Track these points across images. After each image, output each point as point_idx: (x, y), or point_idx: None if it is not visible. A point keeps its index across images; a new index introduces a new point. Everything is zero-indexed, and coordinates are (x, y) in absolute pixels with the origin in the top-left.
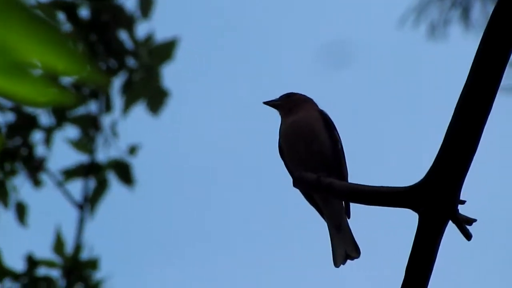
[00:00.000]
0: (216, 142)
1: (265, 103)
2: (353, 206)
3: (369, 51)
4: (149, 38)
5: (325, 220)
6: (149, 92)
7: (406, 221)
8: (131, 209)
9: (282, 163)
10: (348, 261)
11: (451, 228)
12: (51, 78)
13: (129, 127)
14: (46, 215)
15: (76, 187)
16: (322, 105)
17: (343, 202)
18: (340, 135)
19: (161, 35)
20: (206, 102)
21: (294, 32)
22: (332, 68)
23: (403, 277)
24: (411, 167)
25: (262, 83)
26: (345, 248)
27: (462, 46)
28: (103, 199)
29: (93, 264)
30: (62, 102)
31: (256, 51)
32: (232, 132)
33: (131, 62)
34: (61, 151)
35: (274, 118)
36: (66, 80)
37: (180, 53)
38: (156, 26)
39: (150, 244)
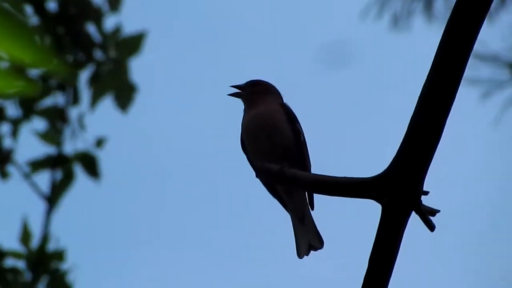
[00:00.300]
0: (181, 136)
1: (230, 94)
2: (317, 197)
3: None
4: (116, 31)
5: (288, 212)
6: (117, 85)
7: (370, 211)
8: (97, 202)
9: (244, 156)
10: (312, 252)
11: (414, 219)
12: (18, 70)
13: (96, 120)
14: (13, 207)
15: (43, 179)
16: (294, 101)
17: (306, 193)
18: (302, 128)
19: (130, 28)
20: (176, 96)
21: (288, 32)
22: (327, 68)
23: (366, 268)
24: (375, 158)
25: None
26: (308, 239)
27: (425, 38)
28: (68, 191)
29: (59, 255)
30: (29, 94)
31: (245, 50)
32: (198, 126)
33: (98, 55)
34: (28, 143)
35: (240, 109)
36: (33, 72)
37: (149, 47)
38: (124, 20)
39: (115, 236)
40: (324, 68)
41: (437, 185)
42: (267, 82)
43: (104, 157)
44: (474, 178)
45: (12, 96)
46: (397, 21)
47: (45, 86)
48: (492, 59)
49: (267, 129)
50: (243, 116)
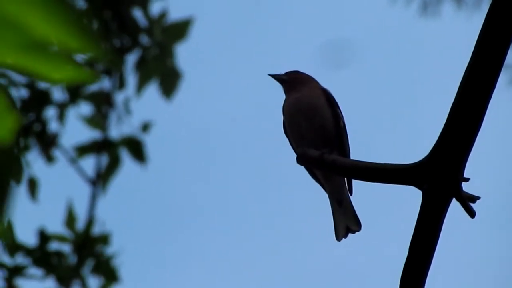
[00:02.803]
0: (226, 122)
1: (271, 75)
2: (358, 183)
3: (365, 36)
4: (163, 16)
5: (327, 195)
6: (162, 70)
7: (411, 198)
8: (143, 186)
9: (287, 140)
10: (350, 235)
11: (454, 206)
12: (66, 55)
13: (142, 105)
14: (58, 190)
15: (89, 163)
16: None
17: (346, 179)
18: (343, 113)
19: (176, 14)
20: (215, 85)
21: (294, 32)
22: (334, 65)
23: (406, 254)
24: (416, 144)
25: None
26: (346, 222)
27: (455, 24)
28: (115, 176)
29: (104, 239)
30: (78, 80)
31: (254, 47)
32: (240, 113)
33: (145, 40)
34: (74, 128)
35: (281, 96)
36: (80, 57)
37: (194, 33)
38: (171, 5)
39: (161, 220)
40: (342, 61)
41: (477, 171)
42: (306, 74)
43: (150, 142)
44: (506, 162)
45: (62, 81)
46: (426, 7)
47: (92, 70)
48: None
49: (307, 112)
50: (284, 100)
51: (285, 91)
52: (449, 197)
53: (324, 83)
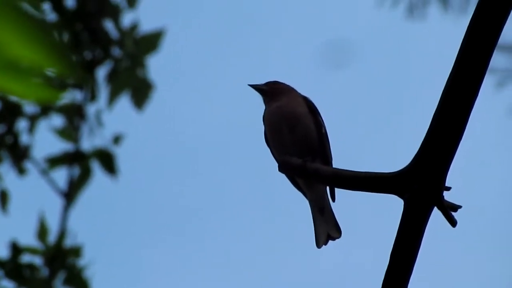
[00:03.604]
0: (201, 133)
1: (251, 85)
2: (340, 190)
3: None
4: (134, 28)
5: (309, 203)
6: (134, 82)
7: (393, 206)
8: (114, 198)
9: (268, 150)
10: (331, 242)
11: (436, 215)
12: (37, 71)
13: (114, 117)
14: (30, 203)
15: (61, 175)
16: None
17: (328, 186)
18: (324, 120)
19: (147, 26)
20: (193, 94)
21: (290, 31)
22: (330, 67)
23: (388, 262)
24: (398, 153)
25: (256, 79)
26: (327, 229)
27: (441, 27)
28: (85, 188)
29: (76, 251)
30: (48, 99)
31: (251, 48)
32: (218, 123)
33: (116, 51)
34: (45, 140)
35: (260, 107)
36: (50, 72)
37: (166, 45)
38: (142, 17)
39: (131, 233)
40: (334, 63)
41: (458, 180)
42: (286, 84)
43: (121, 154)
44: (492, 170)
45: (36, 101)
46: (412, 10)
47: (63, 84)
48: (508, 49)
49: (289, 120)
50: (265, 110)
51: (265, 101)
52: (430, 206)
53: (314, 85)
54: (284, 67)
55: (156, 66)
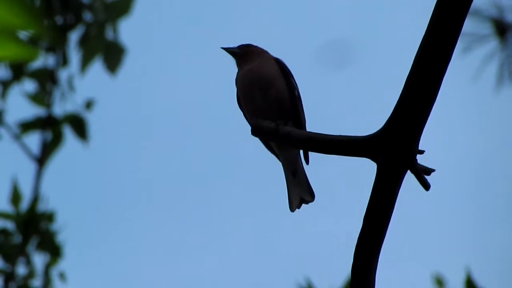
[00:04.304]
0: (173, 97)
1: (224, 48)
2: (314, 153)
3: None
4: None
5: (282, 166)
6: (105, 47)
7: (366, 170)
8: (86, 163)
9: (241, 113)
10: (304, 205)
11: (409, 178)
12: (10, 32)
13: (86, 82)
14: (2, 168)
15: (33, 141)
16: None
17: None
18: (297, 82)
19: None
20: (167, 59)
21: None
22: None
23: (361, 226)
24: (371, 117)
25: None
26: (300, 192)
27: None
28: (57, 153)
29: (49, 216)
30: (22, 57)
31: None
32: (191, 88)
33: (87, 16)
34: (17, 105)
35: (233, 70)
36: (23, 34)
37: (138, 9)
38: None
39: (103, 198)
40: (334, 63)
41: (432, 143)
42: (260, 48)
43: (93, 119)
44: (462, 133)
45: (8, 60)
46: None
47: (35, 48)
48: (473, 13)
49: (261, 83)
50: (237, 73)
51: (238, 64)
52: (403, 169)
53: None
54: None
55: (128, 30)
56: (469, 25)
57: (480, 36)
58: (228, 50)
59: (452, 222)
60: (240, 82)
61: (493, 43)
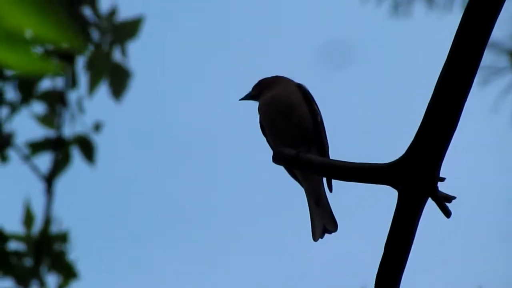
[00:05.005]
0: (186, 123)
1: (242, 99)
2: (337, 181)
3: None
4: (112, 13)
5: (305, 194)
6: (111, 70)
7: (388, 197)
8: (93, 185)
9: (264, 139)
10: (327, 235)
11: (430, 206)
12: (35, 45)
13: (95, 104)
14: (13, 190)
15: (43, 162)
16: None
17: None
18: (320, 108)
19: (126, 13)
20: (183, 87)
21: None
22: (330, 67)
23: (382, 253)
24: (393, 144)
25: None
26: (323, 222)
27: (426, 24)
28: (63, 174)
29: (62, 237)
30: (50, 72)
31: (244, 44)
32: (203, 112)
33: (95, 37)
34: (27, 127)
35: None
36: (38, 48)
37: (146, 32)
38: (121, 3)
39: (113, 220)
40: (334, 63)
41: (453, 171)
42: (276, 75)
43: (101, 142)
44: (483, 163)
45: (35, 73)
46: (397, 7)
47: (58, 63)
48: (491, 46)
49: (284, 109)
50: (260, 100)
51: (258, 98)
52: (424, 196)
53: (314, 84)
54: (280, 65)
55: (135, 53)
56: (486, 57)
57: (497, 69)
58: (246, 98)
59: (473, 250)
60: (264, 109)
61: (510, 76)
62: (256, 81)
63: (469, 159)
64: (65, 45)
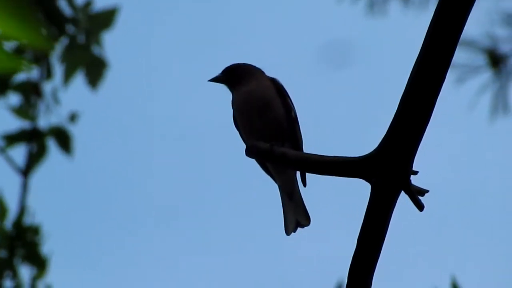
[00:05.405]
0: (160, 112)
1: (210, 80)
2: (311, 176)
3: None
4: (88, 4)
5: (278, 188)
6: (89, 59)
7: (361, 191)
8: (69, 176)
9: (237, 133)
10: (300, 229)
11: (403, 199)
12: (7, 42)
13: (71, 95)
14: None
15: (18, 154)
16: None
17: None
18: (293, 103)
19: (101, 4)
20: (172, 78)
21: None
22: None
23: (355, 247)
24: (366, 138)
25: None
26: (296, 216)
27: (402, 23)
28: (40, 166)
29: (35, 229)
30: (17, 69)
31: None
32: (177, 103)
33: (71, 29)
34: (0, 119)
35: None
36: (8, 45)
37: (122, 23)
38: None
39: (89, 211)
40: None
41: (426, 164)
42: (245, 64)
43: (77, 133)
44: (457, 156)
45: (7, 72)
46: (373, 6)
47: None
48: (468, 44)
49: (258, 104)
50: (232, 94)
51: (230, 87)
52: (397, 190)
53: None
54: (272, 65)
55: (111, 44)
56: (462, 56)
57: (474, 67)
58: (214, 80)
59: (446, 243)
60: (239, 104)
61: (487, 74)
62: (227, 65)
63: (445, 156)
64: (35, 43)
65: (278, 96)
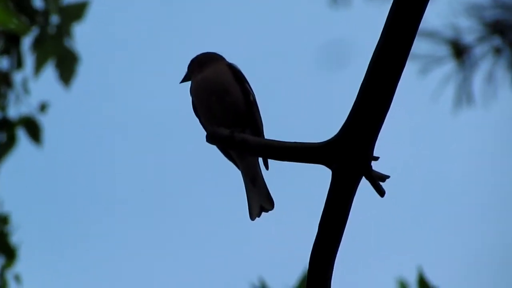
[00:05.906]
0: (128, 102)
1: (181, 81)
2: (272, 160)
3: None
4: None
5: (241, 173)
6: (60, 51)
7: (323, 176)
8: (39, 166)
9: (197, 120)
10: (264, 214)
11: (364, 185)
12: None
13: (41, 85)
14: None
15: None
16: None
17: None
18: (252, 87)
19: None
20: (126, 68)
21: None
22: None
23: (316, 232)
24: (327, 123)
25: None
26: (260, 200)
27: (365, 14)
28: (10, 156)
29: (4, 219)
30: None
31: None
32: (145, 93)
33: (41, 20)
34: None
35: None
36: None
37: (93, 15)
38: None
39: (57, 201)
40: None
41: (387, 150)
42: (207, 52)
43: (47, 122)
44: (418, 143)
45: None
46: None
47: None
48: (431, 35)
49: (216, 90)
50: (191, 82)
51: (190, 73)
52: (358, 176)
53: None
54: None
55: (81, 36)
56: (426, 46)
57: (437, 58)
58: (185, 79)
59: (407, 228)
60: (195, 90)
61: (450, 65)
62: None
63: (406, 142)
64: (8, 27)
65: (235, 81)
